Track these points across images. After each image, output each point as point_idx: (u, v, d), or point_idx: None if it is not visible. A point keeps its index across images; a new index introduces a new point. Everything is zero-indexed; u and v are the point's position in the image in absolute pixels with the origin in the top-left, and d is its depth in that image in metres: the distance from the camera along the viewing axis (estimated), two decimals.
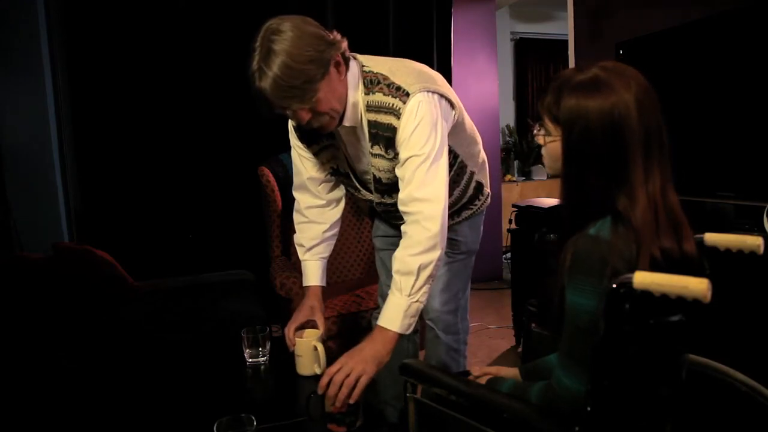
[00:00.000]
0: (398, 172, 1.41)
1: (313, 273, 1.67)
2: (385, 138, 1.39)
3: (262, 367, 1.58)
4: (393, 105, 1.35)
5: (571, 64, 3.12)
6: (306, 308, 1.62)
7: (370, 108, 1.39)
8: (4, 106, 2.75)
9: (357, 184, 1.59)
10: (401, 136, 1.35)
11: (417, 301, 1.34)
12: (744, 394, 1.13)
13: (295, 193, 1.71)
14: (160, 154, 3.03)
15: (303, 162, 1.63)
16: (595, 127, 0.94)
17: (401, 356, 1.88)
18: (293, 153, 1.64)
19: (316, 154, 1.58)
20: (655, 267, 0.89)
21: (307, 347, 1.50)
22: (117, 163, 2.97)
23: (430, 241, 1.33)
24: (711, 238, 1.05)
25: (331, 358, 1.53)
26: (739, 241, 1.02)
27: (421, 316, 1.90)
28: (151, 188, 3.03)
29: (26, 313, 2.00)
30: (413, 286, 1.32)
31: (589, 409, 0.91)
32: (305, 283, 1.68)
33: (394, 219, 1.70)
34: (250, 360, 1.58)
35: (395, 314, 1.33)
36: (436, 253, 1.35)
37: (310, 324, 1.62)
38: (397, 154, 1.40)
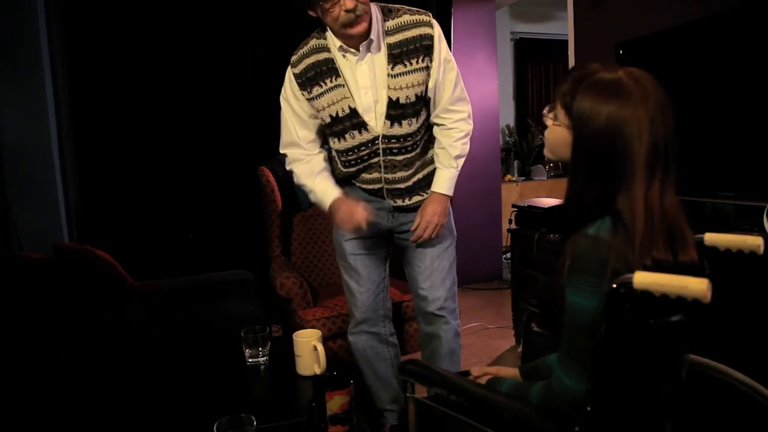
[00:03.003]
0: (432, 83, 1.66)
1: (332, 186, 1.76)
2: (424, 47, 1.63)
3: (262, 367, 1.58)
4: (422, 19, 1.64)
5: (571, 64, 3.12)
6: (351, 203, 1.69)
7: (394, 30, 1.62)
8: (4, 106, 2.75)
9: (363, 119, 1.67)
10: (438, 41, 1.63)
11: (457, 170, 1.77)
12: (744, 394, 1.13)
13: (285, 150, 1.79)
14: (160, 154, 3.03)
15: (294, 119, 1.74)
16: (604, 132, 0.94)
17: (382, 362, 1.89)
18: (284, 110, 1.75)
19: (317, 98, 1.67)
20: None
21: (307, 347, 1.50)
22: (117, 163, 2.97)
23: (470, 132, 1.77)
24: (711, 238, 1.05)
25: (330, 358, 1.53)
26: (739, 241, 1.02)
27: (421, 315, 1.90)
28: (151, 188, 3.04)
29: (26, 313, 2.00)
30: (460, 164, 1.76)
31: (589, 409, 0.91)
32: (330, 199, 1.73)
33: (391, 166, 1.72)
34: (250, 360, 1.58)
35: (449, 183, 1.76)
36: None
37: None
38: (430, 64, 1.63)
